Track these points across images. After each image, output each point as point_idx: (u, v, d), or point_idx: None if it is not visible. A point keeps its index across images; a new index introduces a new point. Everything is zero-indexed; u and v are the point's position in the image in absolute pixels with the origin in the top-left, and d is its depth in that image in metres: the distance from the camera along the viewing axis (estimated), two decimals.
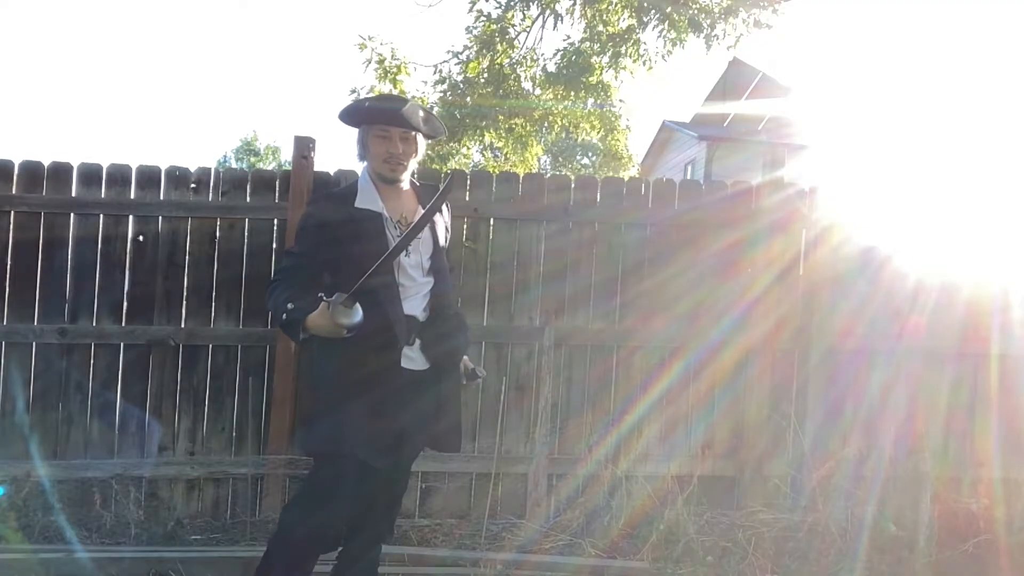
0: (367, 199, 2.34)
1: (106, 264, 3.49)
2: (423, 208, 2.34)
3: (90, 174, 3.47)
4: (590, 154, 23.92)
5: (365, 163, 2.40)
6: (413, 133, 2.35)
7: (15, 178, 3.44)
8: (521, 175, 3.82)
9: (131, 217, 3.49)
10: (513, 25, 9.05)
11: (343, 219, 2.30)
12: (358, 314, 2.10)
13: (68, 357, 3.45)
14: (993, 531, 3.27)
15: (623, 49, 8.76)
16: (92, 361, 3.47)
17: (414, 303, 2.34)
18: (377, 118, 2.34)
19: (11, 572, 2.87)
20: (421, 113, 2.37)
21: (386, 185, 2.37)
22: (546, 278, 3.69)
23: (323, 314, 2.10)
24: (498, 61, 9.19)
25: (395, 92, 9.19)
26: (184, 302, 3.52)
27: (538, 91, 10.24)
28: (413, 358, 2.33)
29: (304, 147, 3.56)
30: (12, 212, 3.42)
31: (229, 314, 3.55)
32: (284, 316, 2.19)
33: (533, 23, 9.03)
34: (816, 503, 3.39)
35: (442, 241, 2.48)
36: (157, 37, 66.84)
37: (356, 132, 2.38)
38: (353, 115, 2.39)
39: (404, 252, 2.26)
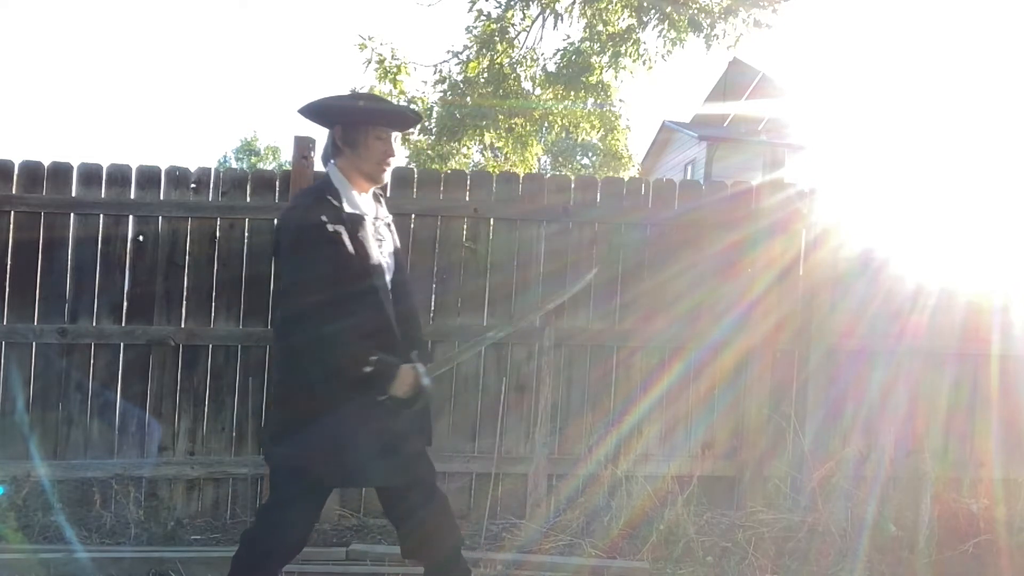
0: (352, 203, 2.20)
1: (106, 264, 3.49)
2: (379, 207, 2.33)
3: (90, 174, 3.47)
4: (590, 154, 23.88)
5: (334, 162, 2.24)
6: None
7: (15, 178, 3.44)
8: (521, 175, 3.82)
9: (131, 217, 3.49)
10: (513, 25, 9.04)
11: (343, 224, 2.14)
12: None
13: (68, 357, 3.45)
14: (993, 531, 3.27)
15: (623, 49, 8.75)
16: (92, 361, 3.47)
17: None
18: (382, 120, 2.26)
19: (11, 572, 2.87)
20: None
21: (366, 185, 2.27)
22: (546, 278, 3.69)
23: (408, 376, 2.11)
24: (498, 61, 9.18)
25: (392, 92, 9.21)
26: (184, 302, 3.52)
27: (538, 91, 10.24)
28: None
29: (304, 147, 3.55)
30: (12, 212, 3.42)
31: (229, 314, 3.55)
32: (369, 369, 2.04)
33: (533, 23, 9.01)
34: (816, 503, 3.39)
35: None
36: (157, 37, 66.90)
37: (335, 129, 2.24)
38: (347, 113, 2.26)
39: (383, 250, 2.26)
